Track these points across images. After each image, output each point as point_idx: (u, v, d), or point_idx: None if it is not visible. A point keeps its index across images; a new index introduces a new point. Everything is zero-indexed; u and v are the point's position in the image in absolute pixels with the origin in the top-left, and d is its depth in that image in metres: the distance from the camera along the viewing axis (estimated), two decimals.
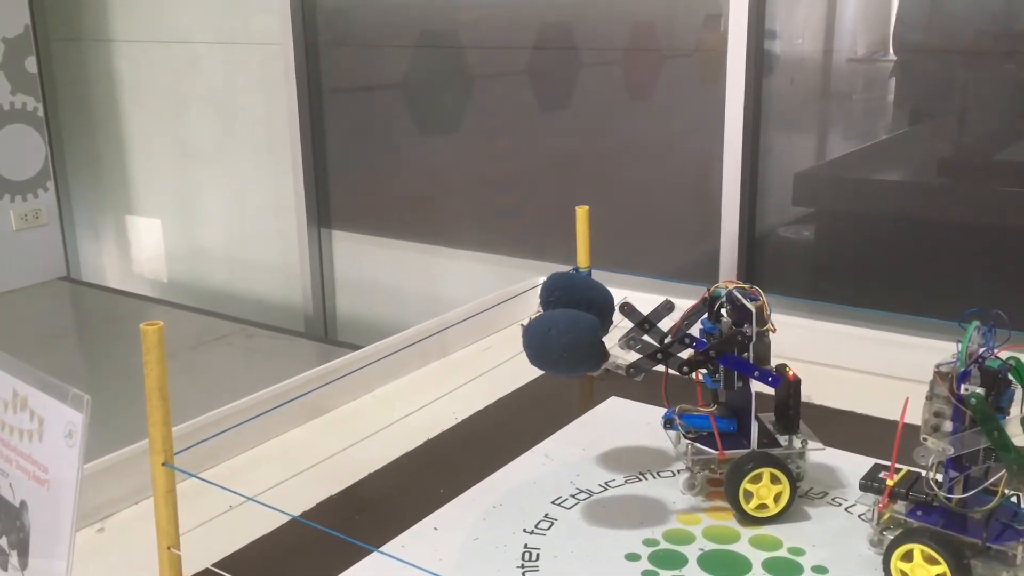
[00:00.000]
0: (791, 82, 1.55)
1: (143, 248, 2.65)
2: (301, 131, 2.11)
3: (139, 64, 2.48)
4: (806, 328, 1.21)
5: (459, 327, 1.27)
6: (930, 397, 0.72)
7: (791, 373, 0.85)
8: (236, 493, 0.83)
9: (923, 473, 0.75)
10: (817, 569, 0.78)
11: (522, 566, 0.79)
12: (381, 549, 0.80)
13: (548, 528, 0.84)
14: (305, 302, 2.22)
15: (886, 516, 0.77)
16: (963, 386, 0.71)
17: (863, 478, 0.78)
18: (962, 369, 0.71)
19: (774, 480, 0.83)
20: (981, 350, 0.72)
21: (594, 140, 1.80)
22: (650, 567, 0.78)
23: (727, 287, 0.86)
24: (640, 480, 0.92)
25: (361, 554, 0.79)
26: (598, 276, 1.11)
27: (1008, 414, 0.71)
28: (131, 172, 2.60)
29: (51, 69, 2.66)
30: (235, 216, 2.39)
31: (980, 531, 0.72)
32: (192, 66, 2.36)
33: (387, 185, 2.09)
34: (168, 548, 0.73)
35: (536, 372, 0.84)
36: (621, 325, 0.86)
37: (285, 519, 0.83)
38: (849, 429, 1.02)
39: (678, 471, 0.93)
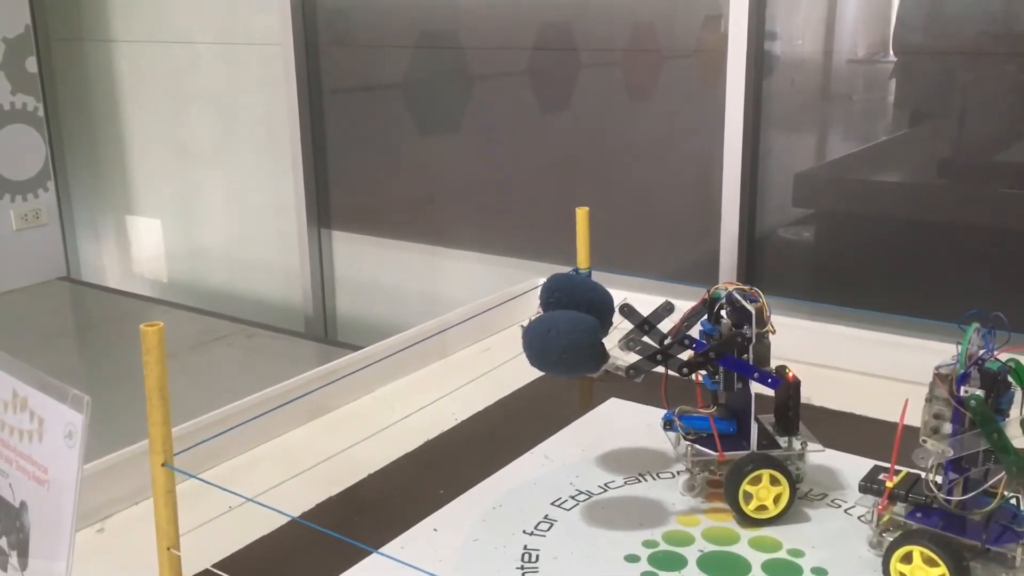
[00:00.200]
0: (791, 83, 1.55)
1: (143, 248, 2.65)
2: (301, 131, 2.11)
3: (139, 64, 2.49)
4: (806, 329, 1.21)
5: (459, 328, 1.27)
6: (930, 399, 0.72)
7: (791, 375, 0.85)
8: (236, 494, 0.83)
9: (922, 475, 0.75)
10: (816, 571, 0.78)
11: (521, 567, 0.79)
12: (380, 550, 0.80)
13: (548, 529, 0.84)
14: (305, 302, 2.22)
15: (885, 518, 0.77)
16: (963, 388, 0.70)
17: (863, 480, 0.78)
18: (962, 371, 0.71)
19: (774, 482, 0.83)
20: (981, 352, 0.72)
21: (594, 141, 1.80)
22: (649, 568, 0.78)
23: (727, 288, 0.86)
24: (640, 481, 0.92)
25: (361, 555, 0.79)
26: (598, 277, 1.10)
27: (1008, 416, 0.71)
28: (131, 172, 2.60)
29: (51, 69, 2.66)
30: (235, 216, 2.39)
31: (979, 533, 0.72)
32: (192, 66, 2.36)
33: (387, 185, 2.09)
34: (168, 549, 0.73)
35: (536, 373, 0.84)
36: (621, 326, 0.86)
37: (285, 520, 0.83)
38: (849, 431, 1.02)
39: (678, 472, 0.93)
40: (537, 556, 0.80)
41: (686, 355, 0.85)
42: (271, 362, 1.92)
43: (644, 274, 1.52)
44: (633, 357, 0.84)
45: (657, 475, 0.93)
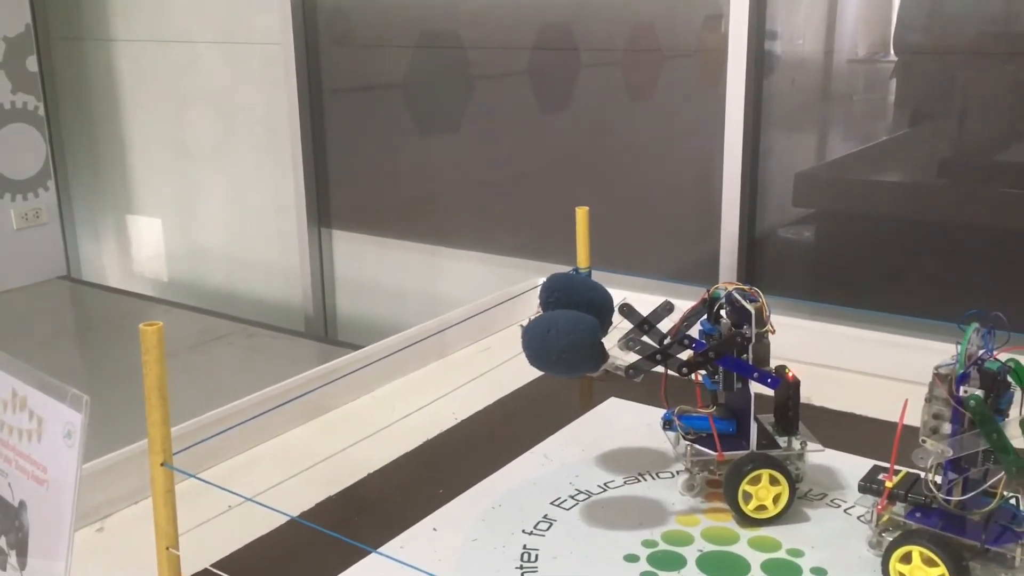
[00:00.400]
0: (792, 83, 1.55)
1: (143, 247, 2.65)
2: (301, 131, 2.11)
3: (140, 63, 2.49)
4: (806, 329, 1.21)
5: (459, 327, 1.27)
6: (929, 399, 0.72)
7: (790, 374, 0.85)
8: (235, 493, 0.83)
9: (922, 475, 0.74)
10: (816, 571, 0.78)
11: (521, 567, 0.79)
12: (379, 550, 0.80)
13: (547, 529, 0.84)
14: (305, 302, 2.22)
15: (885, 518, 0.77)
16: (962, 388, 0.70)
17: (862, 480, 0.78)
18: (961, 371, 0.71)
19: (773, 481, 0.83)
20: (980, 352, 0.71)
21: (594, 140, 1.80)
22: (649, 568, 0.78)
23: (726, 288, 0.86)
24: (639, 481, 0.92)
25: (360, 555, 0.79)
26: (598, 277, 1.11)
27: (1007, 416, 0.71)
28: (131, 171, 2.60)
29: (52, 68, 2.66)
30: (235, 216, 2.39)
31: (979, 533, 0.72)
32: (193, 66, 2.36)
33: (387, 185, 2.09)
34: (167, 548, 0.73)
35: (536, 373, 0.84)
36: (620, 326, 0.86)
37: (284, 519, 0.83)
38: (848, 430, 1.02)
39: (677, 472, 0.93)
40: (536, 556, 0.80)
41: (686, 355, 0.85)
42: (271, 362, 1.92)
43: (644, 274, 1.52)
44: (633, 357, 0.84)
45: (656, 475, 0.93)
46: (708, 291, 0.87)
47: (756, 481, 0.83)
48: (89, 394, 0.66)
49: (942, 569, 0.71)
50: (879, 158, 1.53)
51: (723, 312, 0.86)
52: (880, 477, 0.77)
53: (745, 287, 0.85)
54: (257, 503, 0.81)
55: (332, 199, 2.15)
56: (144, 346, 0.69)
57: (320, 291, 2.20)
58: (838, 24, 1.52)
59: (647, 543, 0.82)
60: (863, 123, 1.56)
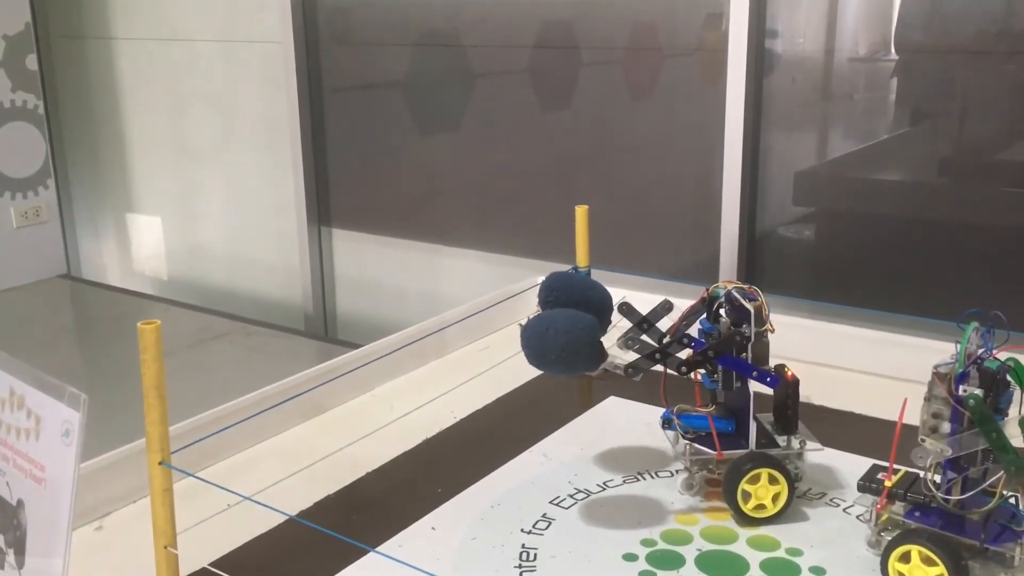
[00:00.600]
0: (792, 81, 1.55)
1: (143, 246, 2.65)
2: (301, 129, 2.11)
3: (140, 62, 2.48)
4: (805, 328, 1.21)
5: (458, 326, 1.27)
6: (928, 398, 0.72)
7: (789, 373, 0.85)
8: (234, 492, 0.83)
9: (921, 474, 0.74)
10: (815, 570, 0.78)
11: (519, 566, 0.79)
12: (378, 549, 0.80)
13: (546, 528, 0.84)
14: (305, 300, 2.22)
15: (884, 517, 0.77)
16: (961, 387, 0.70)
17: (861, 479, 0.78)
18: (960, 370, 0.70)
19: (772, 480, 0.83)
20: (980, 351, 0.71)
21: (594, 139, 1.80)
22: (648, 567, 0.78)
23: (726, 287, 0.86)
24: (638, 480, 0.92)
25: (358, 554, 0.79)
26: (597, 276, 1.10)
27: (1006, 415, 0.71)
28: (131, 170, 2.60)
29: (52, 67, 2.66)
30: (235, 214, 2.39)
31: (978, 532, 0.72)
32: (193, 64, 2.36)
33: (387, 184, 2.09)
34: (165, 547, 0.73)
35: (535, 372, 0.83)
36: (620, 325, 0.86)
37: (282, 518, 0.83)
38: (847, 429, 1.01)
39: (676, 471, 0.92)
40: (535, 555, 0.80)
41: (685, 354, 0.85)
42: (271, 360, 1.92)
43: (644, 273, 1.52)
44: (632, 356, 0.84)
45: (656, 474, 0.93)
46: (707, 290, 0.87)
47: (755, 480, 0.83)
48: (89, 393, 0.66)
49: (941, 568, 0.71)
50: (879, 157, 1.53)
51: (722, 311, 0.86)
52: (879, 476, 0.77)
53: (744, 286, 0.85)
54: (256, 502, 0.81)
55: (332, 198, 2.15)
56: (142, 345, 0.69)
57: (320, 290, 2.20)
58: (839, 23, 1.52)
59: (646, 542, 0.82)
60: (863, 122, 1.55)
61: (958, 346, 0.71)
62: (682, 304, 0.87)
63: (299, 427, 1.06)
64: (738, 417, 0.87)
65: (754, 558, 0.79)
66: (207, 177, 2.42)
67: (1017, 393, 0.71)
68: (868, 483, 0.77)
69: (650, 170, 1.74)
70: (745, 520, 0.84)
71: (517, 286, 1.34)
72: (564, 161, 1.84)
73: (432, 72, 1.96)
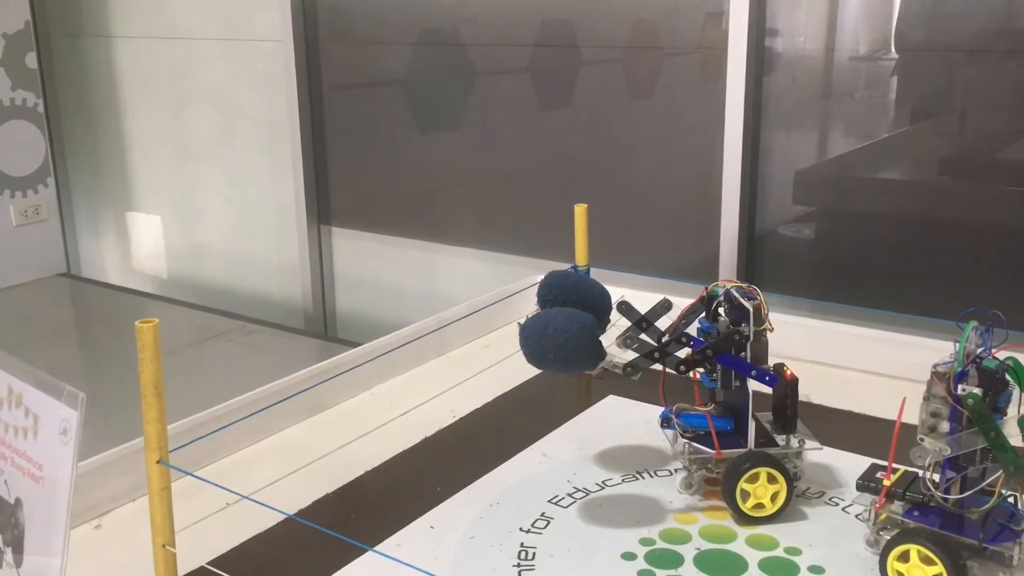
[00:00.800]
0: (792, 80, 1.55)
1: (143, 244, 2.65)
2: (301, 128, 2.11)
3: (140, 60, 2.48)
4: (804, 327, 1.21)
5: (458, 325, 1.27)
6: (927, 397, 0.72)
7: (788, 372, 0.85)
8: (232, 491, 0.83)
9: (920, 473, 0.74)
10: (814, 569, 0.77)
11: (518, 565, 0.79)
12: (376, 548, 0.80)
13: (545, 527, 0.84)
14: (305, 299, 2.22)
15: (883, 516, 0.77)
16: (960, 386, 0.70)
17: (860, 478, 0.78)
18: (959, 369, 0.70)
19: (771, 480, 0.83)
20: (979, 350, 0.71)
21: (594, 138, 1.80)
22: (646, 566, 0.78)
23: (725, 286, 0.85)
24: (637, 479, 0.92)
25: (357, 553, 0.79)
26: (597, 274, 1.10)
27: (1005, 414, 0.71)
28: (131, 168, 2.59)
29: (51, 65, 2.65)
30: (235, 213, 2.38)
31: (977, 532, 0.72)
32: (193, 62, 2.36)
33: (387, 182, 2.09)
34: (163, 546, 0.73)
35: (534, 370, 0.83)
36: (619, 324, 0.85)
37: (281, 517, 0.83)
38: (846, 428, 1.01)
39: (675, 470, 0.92)
40: (534, 554, 0.80)
41: (684, 353, 0.85)
42: (271, 359, 1.92)
43: (643, 271, 1.52)
44: (631, 355, 0.84)
45: (654, 473, 0.93)
46: (706, 289, 0.87)
47: (754, 479, 0.83)
48: (88, 391, 0.66)
49: (940, 568, 0.71)
50: (879, 156, 1.53)
51: (721, 310, 0.85)
52: (878, 475, 0.77)
53: (743, 285, 0.85)
54: (254, 501, 0.81)
55: (332, 196, 2.15)
56: (140, 343, 0.69)
57: (320, 288, 2.20)
58: (839, 21, 1.52)
59: (645, 541, 0.82)
60: (864, 121, 1.55)
61: (957, 345, 0.71)
62: (681, 303, 0.87)
63: (298, 426, 1.06)
64: (737, 416, 0.87)
65: (753, 557, 0.79)
66: (207, 176, 2.42)
67: (1016, 392, 0.71)
68: (867, 482, 0.77)
69: (650, 169, 1.74)
70: (744, 519, 0.83)
71: (517, 284, 1.34)
72: (564, 160, 1.84)
73: (432, 71, 1.96)
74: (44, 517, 0.67)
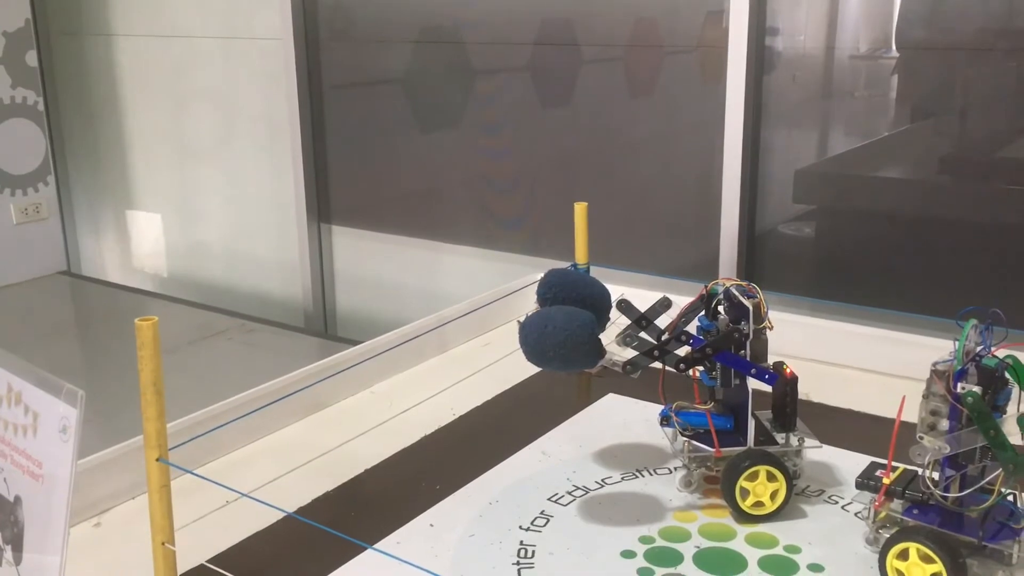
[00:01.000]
0: (793, 79, 1.55)
1: (143, 243, 2.65)
2: (301, 126, 2.11)
3: (140, 59, 2.48)
4: (804, 325, 1.21)
5: (458, 323, 1.27)
6: (927, 395, 0.72)
7: (788, 370, 0.85)
8: (232, 489, 0.83)
9: (919, 471, 0.74)
10: (813, 567, 0.78)
11: (517, 563, 0.79)
12: (376, 546, 0.80)
13: (544, 525, 0.84)
14: (305, 297, 2.22)
15: (882, 514, 0.77)
16: (960, 384, 0.70)
17: (860, 476, 0.78)
18: (959, 367, 0.70)
19: (770, 478, 0.83)
20: (978, 348, 0.71)
21: (594, 136, 1.80)
22: (646, 564, 0.78)
23: (724, 284, 0.85)
24: (636, 477, 0.92)
25: (356, 550, 0.79)
26: (597, 273, 1.10)
27: (1005, 413, 0.71)
28: (131, 167, 2.59)
29: (52, 63, 2.65)
30: (235, 211, 2.38)
31: (976, 530, 0.72)
32: (193, 61, 2.36)
33: (387, 181, 2.09)
34: (163, 543, 0.73)
35: (534, 368, 0.83)
36: (618, 322, 0.85)
37: (281, 515, 0.83)
38: (846, 427, 1.01)
39: (675, 468, 0.92)
40: (533, 552, 0.80)
41: (683, 351, 0.85)
42: (271, 357, 1.92)
43: (643, 270, 1.52)
44: (630, 353, 0.84)
45: (654, 471, 0.93)
46: (706, 287, 0.87)
47: (753, 477, 0.83)
48: (88, 389, 0.66)
49: (939, 566, 0.71)
50: (880, 155, 1.53)
51: (721, 308, 0.85)
52: (878, 473, 0.77)
53: (743, 283, 0.85)
54: (254, 499, 0.81)
55: (332, 194, 2.15)
56: (139, 341, 0.69)
57: (320, 287, 2.20)
58: (839, 19, 1.52)
59: (644, 539, 0.82)
60: (864, 119, 1.55)
61: (957, 343, 0.71)
62: (681, 301, 0.87)
63: (298, 424, 1.06)
64: (736, 414, 0.87)
65: (752, 555, 0.79)
66: (207, 174, 2.42)
67: (1015, 390, 0.71)
68: (866, 480, 0.77)
69: (650, 167, 1.74)
70: (743, 517, 0.83)
71: (517, 283, 1.34)
72: (564, 158, 1.84)
73: (432, 69, 1.96)
74: (44, 515, 0.67)
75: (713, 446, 0.85)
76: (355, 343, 1.22)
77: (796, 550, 0.80)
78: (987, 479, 0.71)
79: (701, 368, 0.86)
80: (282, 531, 0.84)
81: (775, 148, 1.58)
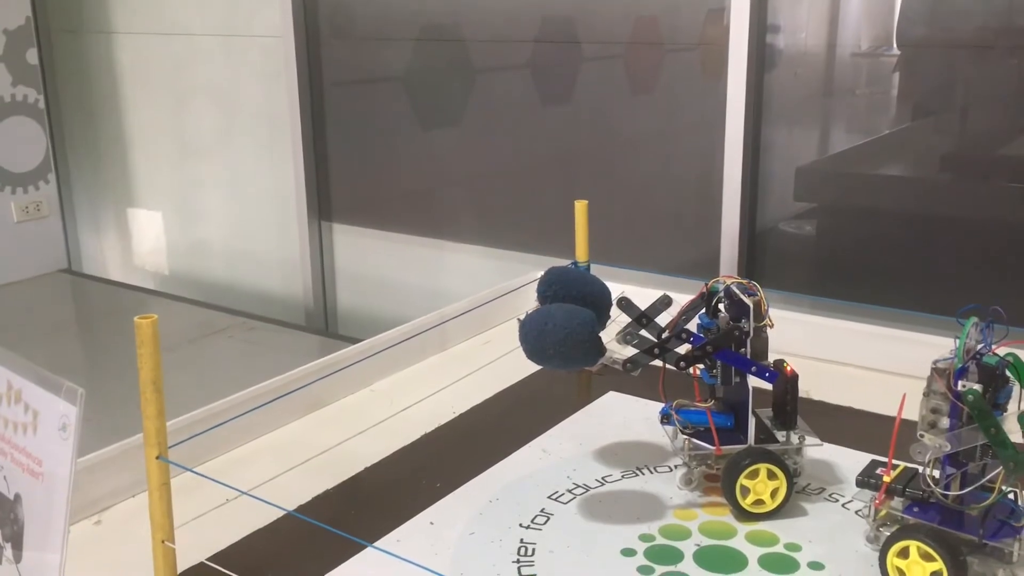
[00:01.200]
0: (794, 76, 1.55)
1: (144, 241, 2.65)
2: (302, 124, 2.11)
3: (140, 56, 2.48)
4: (805, 323, 1.21)
5: (458, 321, 1.27)
6: (927, 393, 0.72)
7: (788, 368, 0.85)
8: (232, 487, 0.83)
9: (920, 469, 0.74)
10: (813, 565, 0.77)
11: (518, 561, 0.79)
12: (376, 544, 0.80)
13: (544, 523, 0.84)
14: (305, 295, 2.22)
15: (883, 512, 0.77)
16: (960, 382, 0.70)
17: (860, 474, 0.78)
18: (959, 365, 0.70)
19: (771, 476, 0.83)
20: (979, 346, 0.71)
21: (595, 134, 1.79)
22: (646, 562, 0.78)
23: (725, 282, 0.85)
24: (637, 475, 0.92)
25: (356, 548, 0.79)
26: (597, 271, 1.10)
27: (1005, 411, 0.71)
28: (132, 164, 2.59)
29: (52, 61, 2.65)
30: (236, 209, 2.38)
31: (977, 528, 0.71)
32: (193, 58, 2.36)
33: (388, 178, 2.09)
34: (163, 541, 0.73)
35: (534, 366, 0.83)
36: (618, 320, 0.85)
37: (281, 513, 0.83)
38: (846, 425, 1.01)
39: (675, 466, 0.92)
40: (533, 550, 0.80)
41: (683, 349, 0.85)
42: (271, 355, 1.92)
43: (643, 267, 1.52)
44: (630, 351, 0.84)
45: (654, 469, 0.93)
46: (706, 285, 0.87)
47: (754, 475, 0.83)
48: (89, 387, 0.66)
49: (940, 564, 0.71)
50: (881, 153, 1.52)
51: (721, 306, 0.85)
52: (878, 471, 0.77)
53: (743, 281, 0.85)
54: (254, 497, 0.81)
55: (332, 192, 2.15)
56: (139, 339, 0.69)
57: (320, 285, 2.20)
58: (841, 17, 1.52)
59: (644, 537, 0.82)
60: (865, 117, 1.55)
61: (957, 341, 0.71)
62: (681, 299, 0.87)
63: (298, 422, 1.06)
64: (737, 412, 0.87)
65: (753, 553, 0.79)
66: (208, 172, 2.42)
67: (1016, 388, 0.71)
68: (867, 478, 0.77)
69: (650, 165, 1.74)
70: (744, 515, 0.83)
71: (517, 280, 1.34)
72: (564, 156, 1.84)
73: (433, 67, 1.96)
74: (43, 513, 0.67)
75: (713, 444, 0.85)
76: (355, 341, 1.22)
77: (796, 548, 0.80)
78: (988, 477, 0.71)
79: (701, 366, 0.86)
80: (282, 529, 0.84)
81: (776, 146, 1.57)
